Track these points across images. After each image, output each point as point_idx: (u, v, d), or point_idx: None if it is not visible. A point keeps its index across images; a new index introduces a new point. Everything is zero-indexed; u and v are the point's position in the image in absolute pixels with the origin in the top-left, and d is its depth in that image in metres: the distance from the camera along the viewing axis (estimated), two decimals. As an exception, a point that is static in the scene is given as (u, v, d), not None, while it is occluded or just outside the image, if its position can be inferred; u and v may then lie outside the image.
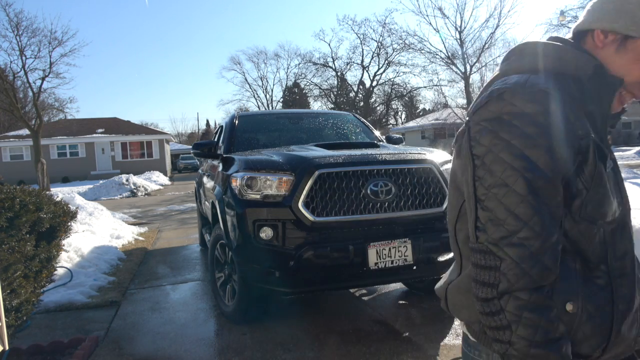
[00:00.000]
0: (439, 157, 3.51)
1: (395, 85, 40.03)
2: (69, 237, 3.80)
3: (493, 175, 0.86)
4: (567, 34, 1.06)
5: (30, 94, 24.26)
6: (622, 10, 0.94)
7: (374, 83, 40.34)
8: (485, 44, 15.29)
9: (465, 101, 18.04)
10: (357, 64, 40.28)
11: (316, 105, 43.09)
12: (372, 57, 39.29)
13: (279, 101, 46.32)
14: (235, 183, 3.21)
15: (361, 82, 42.07)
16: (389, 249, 3.04)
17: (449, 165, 3.51)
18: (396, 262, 3.05)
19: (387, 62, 38.32)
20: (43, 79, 20.70)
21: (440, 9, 15.19)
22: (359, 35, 39.43)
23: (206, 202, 5.08)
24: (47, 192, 3.69)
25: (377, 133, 5.20)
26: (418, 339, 3.16)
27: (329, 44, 60.69)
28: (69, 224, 3.59)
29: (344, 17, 50.78)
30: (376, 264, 3.01)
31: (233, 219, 3.19)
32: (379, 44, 37.81)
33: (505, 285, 0.84)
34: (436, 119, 37.19)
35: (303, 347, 3.12)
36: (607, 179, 0.91)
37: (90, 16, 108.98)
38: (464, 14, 16.46)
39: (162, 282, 5.01)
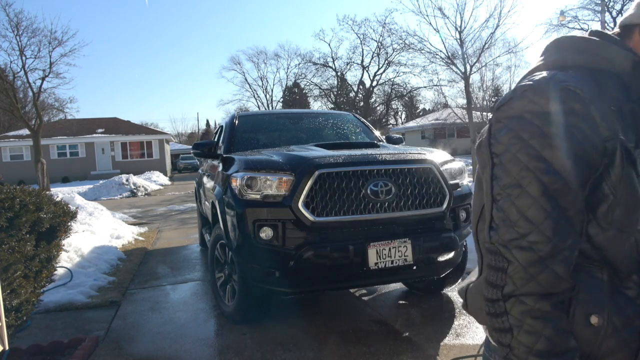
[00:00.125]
0: (439, 157, 3.51)
1: (395, 85, 40.01)
2: (69, 237, 3.80)
3: (509, 175, 0.84)
4: (568, 33, 1.04)
5: (30, 94, 24.23)
6: None
7: (374, 83, 40.32)
8: (485, 44, 15.28)
9: (465, 101, 18.04)
10: (357, 64, 40.28)
11: (316, 105, 43.11)
12: (372, 57, 39.29)
13: (279, 101, 46.31)
14: (235, 183, 3.21)
15: (361, 82, 42.07)
16: (389, 249, 3.03)
17: (449, 165, 3.51)
18: (396, 262, 3.05)
19: (387, 62, 38.31)
20: (43, 79, 20.68)
21: (440, 9, 15.18)
22: (359, 35, 39.42)
23: (206, 202, 5.08)
24: (47, 192, 3.69)
25: (377, 133, 5.20)
26: (418, 339, 3.16)
27: (329, 44, 60.65)
28: (69, 224, 3.59)
29: (344, 17, 50.69)
30: (376, 264, 3.01)
31: (233, 219, 3.19)
32: (379, 44, 37.80)
33: (510, 288, 0.82)
34: (436, 119, 37.16)
35: (303, 347, 3.12)
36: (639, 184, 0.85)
37: (90, 16, 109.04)
38: (464, 14, 16.45)
39: (162, 282, 5.01)
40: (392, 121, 49.14)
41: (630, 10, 0.99)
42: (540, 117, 0.83)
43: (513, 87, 0.91)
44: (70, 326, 3.74)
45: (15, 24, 19.48)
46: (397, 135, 5.09)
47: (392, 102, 43.45)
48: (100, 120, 36.53)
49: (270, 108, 44.00)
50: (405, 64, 36.28)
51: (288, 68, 50.47)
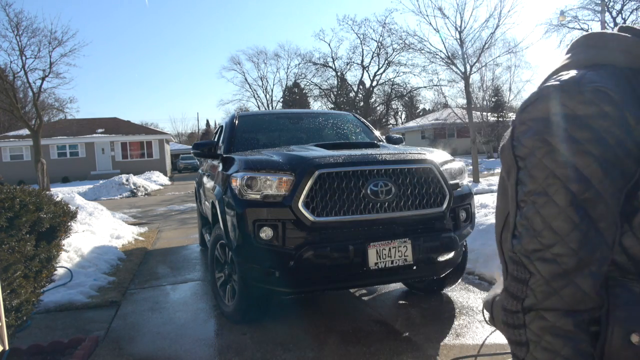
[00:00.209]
0: (439, 157, 3.51)
1: (395, 85, 40.02)
2: (69, 237, 3.80)
3: (534, 181, 0.79)
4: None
5: (30, 94, 24.22)
6: None
7: (374, 83, 40.33)
8: (485, 44, 15.25)
9: (465, 101, 18.04)
10: (357, 64, 40.28)
11: (316, 105, 43.10)
12: (372, 57, 39.29)
13: (279, 101, 46.31)
14: (235, 183, 3.21)
15: (361, 82, 42.07)
16: (389, 249, 3.03)
17: (449, 165, 3.51)
18: (396, 262, 3.05)
19: (387, 62, 38.31)
20: (43, 79, 20.68)
21: (440, 9, 15.12)
22: (359, 35, 39.42)
23: (206, 202, 5.08)
24: (47, 192, 3.69)
25: (377, 133, 5.20)
26: (418, 339, 3.16)
27: (329, 44, 60.63)
28: (69, 224, 3.59)
29: (344, 17, 50.67)
30: (376, 264, 3.01)
31: (233, 219, 3.19)
32: (379, 44, 37.80)
33: (531, 301, 0.78)
34: (436, 119, 37.18)
35: (303, 347, 3.12)
36: None
37: (91, 16, 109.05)
38: (464, 14, 16.44)
39: (162, 282, 5.01)
40: (392, 121, 49.15)
41: None
42: (569, 121, 0.77)
43: (538, 86, 0.85)
44: (70, 326, 3.74)
45: (15, 24, 19.50)
46: (397, 135, 5.10)
47: (392, 102, 43.45)
48: (100, 120, 36.54)
49: (270, 108, 43.99)
50: (405, 64, 36.30)
51: (288, 68, 50.48)
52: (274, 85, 54.78)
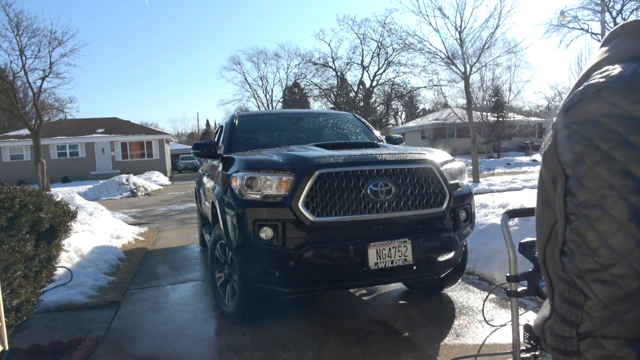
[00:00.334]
0: (439, 157, 3.51)
1: (395, 85, 40.02)
2: (69, 237, 3.80)
3: (586, 192, 0.69)
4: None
5: (30, 94, 24.24)
6: None
7: (374, 83, 40.33)
8: (485, 44, 15.24)
9: (465, 101, 18.04)
10: (357, 64, 40.28)
11: (316, 105, 43.10)
12: (372, 57, 39.29)
13: (279, 101, 46.31)
14: (235, 183, 3.21)
15: (361, 82, 42.07)
16: (389, 249, 3.03)
17: (449, 165, 3.51)
18: (396, 262, 3.05)
19: (387, 62, 38.31)
20: (43, 79, 20.69)
21: (440, 9, 15.12)
22: (359, 35, 39.40)
23: (206, 202, 5.08)
24: (47, 192, 3.69)
25: (377, 133, 5.20)
26: (418, 339, 3.15)
27: (329, 44, 60.56)
28: (69, 224, 3.59)
29: (344, 17, 50.68)
30: (376, 264, 3.01)
31: (233, 219, 3.19)
32: (379, 44, 37.80)
33: (587, 327, 0.70)
34: (436, 119, 37.18)
35: (303, 347, 3.12)
36: None
37: (91, 16, 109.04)
38: (464, 14, 16.43)
39: (162, 282, 5.01)
40: (392, 121, 49.15)
41: None
42: (623, 123, 0.68)
43: (584, 85, 0.76)
44: (70, 326, 3.74)
45: (15, 24, 19.50)
46: (397, 135, 5.10)
47: (392, 102, 43.46)
48: (100, 120, 36.54)
49: (270, 108, 44.00)
50: (405, 64, 36.31)
51: (288, 68, 50.48)
52: (274, 85, 54.79)
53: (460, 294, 4.08)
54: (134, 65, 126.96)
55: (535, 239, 2.14)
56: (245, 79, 45.72)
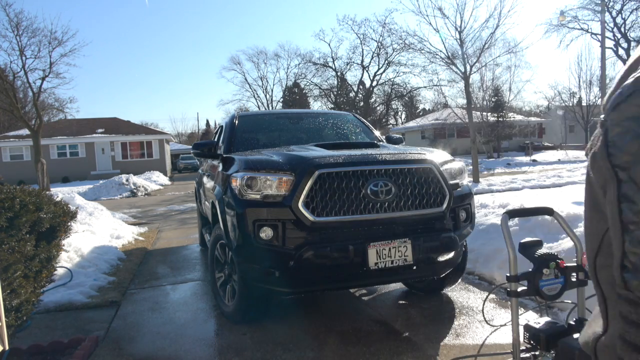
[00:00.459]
0: (439, 157, 3.51)
1: (395, 85, 40.05)
2: (69, 237, 3.80)
3: None
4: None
5: (30, 94, 24.23)
6: None
7: (374, 83, 40.34)
8: (485, 44, 15.24)
9: (465, 101, 18.04)
10: (357, 64, 40.30)
11: (316, 105, 43.11)
12: (372, 57, 39.31)
13: (279, 101, 46.32)
14: (235, 183, 3.21)
15: (361, 82, 42.10)
16: (389, 249, 3.03)
17: (449, 165, 3.50)
18: (396, 262, 3.05)
19: (387, 62, 38.34)
20: (43, 79, 20.69)
21: (440, 9, 15.11)
22: (359, 35, 39.44)
23: (206, 202, 5.08)
24: (47, 192, 3.69)
25: (377, 133, 5.20)
26: (418, 339, 3.15)
27: (329, 44, 60.61)
28: (69, 224, 3.59)
29: (344, 17, 50.72)
30: (376, 264, 3.01)
31: (233, 219, 3.19)
32: (379, 44, 37.83)
33: None
34: (436, 119, 37.20)
35: (303, 347, 3.12)
36: None
37: (90, 16, 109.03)
38: (464, 14, 16.43)
39: (162, 282, 5.01)
40: (392, 121, 49.16)
41: None
42: None
43: (631, 81, 0.67)
44: (70, 326, 3.74)
45: (15, 24, 19.50)
46: (397, 135, 5.09)
47: (392, 102, 43.47)
48: (100, 120, 36.55)
49: (270, 108, 43.99)
50: (405, 64, 36.34)
51: (288, 68, 50.50)
52: (274, 85, 54.81)
53: (460, 294, 4.08)
54: (134, 65, 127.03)
55: (535, 238, 2.13)
56: (245, 79, 45.75)
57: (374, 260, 3.00)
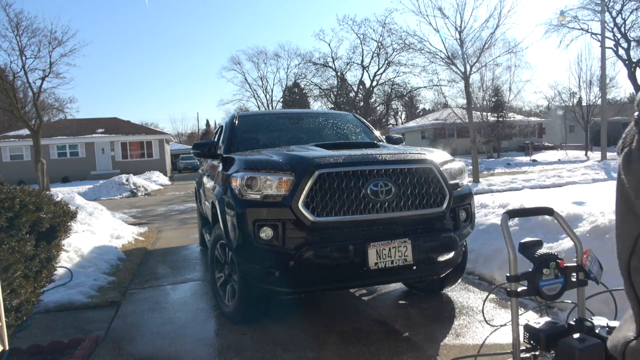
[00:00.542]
0: (439, 157, 3.51)
1: (395, 85, 40.05)
2: (69, 237, 3.80)
3: None
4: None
5: (30, 94, 24.25)
6: None
7: (374, 83, 40.35)
8: (485, 44, 15.23)
9: (465, 101, 18.05)
10: (357, 64, 40.31)
11: (316, 105, 43.12)
12: (372, 57, 39.32)
13: (279, 101, 46.32)
14: (235, 183, 3.21)
15: (361, 82, 42.10)
16: (389, 249, 3.03)
17: (449, 165, 3.50)
18: (396, 262, 3.05)
19: (387, 62, 38.35)
20: (43, 79, 20.70)
21: (440, 9, 15.11)
22: (359, 35, 39.43)
23: (206, 202, 5.08)
24: (47, 192, 3.69)
25: (377, 133, 5.20)
26: (418, 339, 3.15)
27: (329, 44, 60.58)
28: (69, 224, 3.59)
29: (344, 17, 50.69)
30: (376, 264, 3.01)
31: (233, 219, 3.19)
32: (379, 44, 37.84)
33: None
34: (436, 119, 37.20)
35: (303, 347, 3.12)
36: None
37: (90, 16, 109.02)
38: (464, 14, 16.41)
39: (162, 282, 5.01)
40: (392, 121, 49.18)
41: None
42: None
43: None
44: (70, 326, 3.74)
45: (15, 24, 19.51)
46: (397, 135, 5.09)
47: (392, 102, 43.49)
48: (100, 120, 36.56)
49: (270, 108, 44.00)
50: (405, 64, 36.36)
51: (288, 68, 50.47)
52: (274, 85, 54.78)
53: (460, 294, 4.08)
54: (134, 65, 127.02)
55: (535, 238, 2.13)
56: (245, 79, 45.76)
57: (374, 260, 3.00)
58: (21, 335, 3.23)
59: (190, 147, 5.55)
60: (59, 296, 4.31)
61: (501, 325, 2.73)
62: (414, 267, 3.13)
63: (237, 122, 4.83)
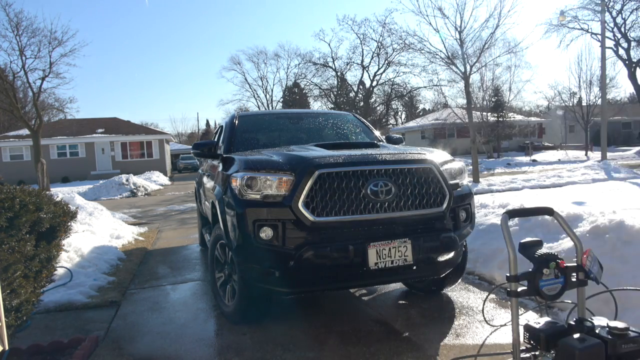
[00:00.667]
0: (439, 157, 3.51)
1: (395, 85, 40.08)
2: (69, 237, 3.80)
3: None
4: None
5: (30, 94, 24.29)
6: None
7: (374, 83, 40.36)
8: (485, 44, 15.23)
9: (465, 101, 18.04)
10: (357, 64, 40.32)
11: (316, 105, 43.13)
12: (372, 57, 39.34)
13: (279, 101, 46.33)
14: (235, 183, 3.21)
15: (361, 82, 42.12)
16: (389, 249, 3.03)
17: (449, 165, 3.51)
18: (396, 262, 3.05)
19: (387, 62, 38.37)
20: (43, 79, 20.72)
21: (440, 9, 15.13)
22: (359, 35, 39.44)
23: (206, 202, 5.08)
24: (47, 192, 3.69)
25: (377, 133, 5.20)
26: (418, 339, 3.15)
27: (329, 44, 60.62)
28: (69, 224, 3.59)
29: (344, 17, 50.75)
30: (376, 264, 3.01)
31: (233, 219, 3.19)
32: (379, 44, 37.86)
33: None
34: (436, 119, 37.20)
35: (303, 347, 3.12)
36: None
37: (90, 16, 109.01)
38: (464, 14, 16.42)
39: (162, 282, 5.01)
40: (392, 121, 49.20)
41: None
42: None
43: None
44: (70, 326, 3.74)
45: (15, 24, 19.53)
46: (397, 135, 5.09)
47: (392, 102, 43.50)
48: (100, 120, 36.56)
49: (270, 108, 44.01)
50: (405, 64, 36.38)
51: (288, 68, 50.51)
52: (274, 85, 54.81)
53: (460, 294, 4.08)
54: (134, 65, 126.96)
55: (535, 238, 2.13)
56: (245, 79, 45.78)
57: (374, 260, 3.00)
58: (21, 335, 3.23)
59: (190, 147, 5.55)
60: (59, 296, 4.31)
61: (501, 325, 2.73)
62: (414, 267, 3.13)
63: (237, 122, 4.83)
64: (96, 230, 7.21)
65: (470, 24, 22.87)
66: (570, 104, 33.09)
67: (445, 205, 3.25)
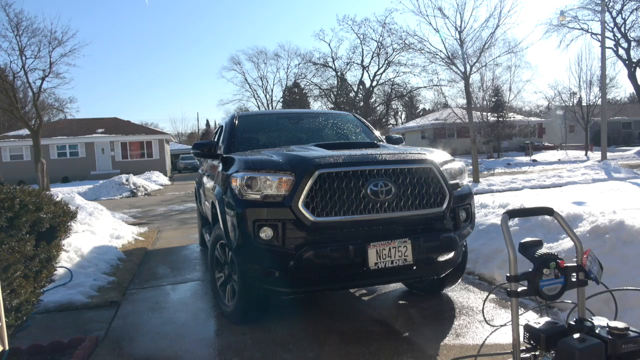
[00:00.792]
0: (439, 157, 3.51)
1: (395, 85, 40.08)
2: (69, 237, 3.81)
3: None
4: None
5: (30, 94, 24.29)
6: None
7: (374, 83, 40.36)
8: (486, 44, 15.21)
9: (465, 101, 18.04)
10: (357, 64, 40.32)
11: (316, 105, 43.13)
12: (372, 57, 39.34)
13: (279, 101, 46.33)
14: (235, 183, 3.21)
15: (361, 82, 42.11)
16: (389, 249, 3.03)
17: (449, 165, 3.51)
18: (396, 262, 3.05)
19: (387, 62, 38.37)
20: (43, 79, 20.75)
21: (440, 9, 15.12)
22: (359, 35, 39.45)
23: (206, 202, 5.08)
24: (47, 192, 3.69)
25: (377, 133, 5.20)
26: (418, 339, 3.15)
27: (329, 44, 60.68)
28: (69, 224, 3.60)
29: (344, 17, 50.83)
30: (376, 264, 3.01)
31: (233, 219, 3.19)
32: (379, 44, 37.87)
33: None
34: (436, 119, 37.20)
35: (303, 347, 3.12)
36: None
37: (91, 16, 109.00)
38: (464, 14, 16.41)
39: (162, 282, 5.01)
40: (392, 121, 49.19)
41: None
42: None
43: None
44: (70, 326, 3.74)
45: (15, 24, 19.55)
46: (397, 135, 5.09)
47: (392, 102, 43.50)
48: (100, 120, 36.56)
49: (270, 108, 44.01)
50: (405, 64, 36.41)
51: (288, 68, 50.51)
52: (274, 85, 54.78)
53: (460, 294, 4.08)
54: (134, 65, 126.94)
55: (535, 238, 2.13)
56: (245, 79, 45.79)
57: (374, 260, 3.00)
58: (21, 335, 3.23)
59: (190, 147, 5.55)
60: (59, 296, 4.31)
61: (501, 325, 2.74)
62: (414, 267, 3.13)
63: (237, 122, 4.83)
64: (96, 230, 7.21)
65: (470, 24, 22.86)
66: (570, 104, 33.09)
67: (445, 205, 3.25)
